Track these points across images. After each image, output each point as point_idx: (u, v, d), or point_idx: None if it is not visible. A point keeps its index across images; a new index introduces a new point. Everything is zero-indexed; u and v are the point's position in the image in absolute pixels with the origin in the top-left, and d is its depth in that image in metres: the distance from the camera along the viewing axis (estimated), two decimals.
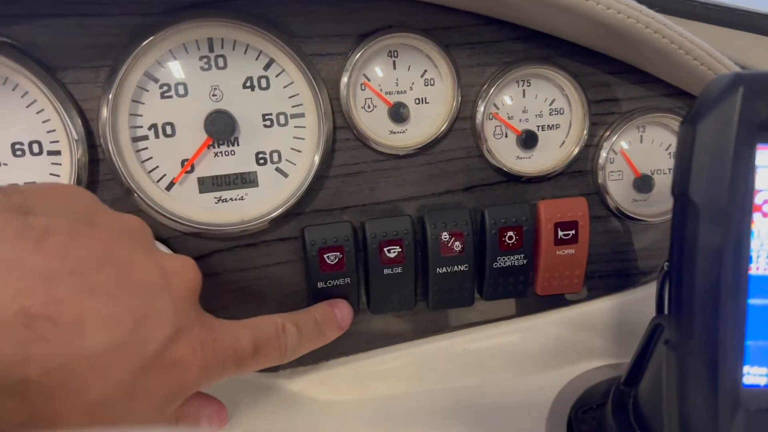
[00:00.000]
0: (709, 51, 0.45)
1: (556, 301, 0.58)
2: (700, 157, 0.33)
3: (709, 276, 0.33)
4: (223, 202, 0.49)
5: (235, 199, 0.49)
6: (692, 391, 0.34)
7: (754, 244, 0.33)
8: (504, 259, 0.52)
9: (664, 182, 0.55)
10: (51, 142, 0.45)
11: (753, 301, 0.33)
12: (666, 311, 0.37)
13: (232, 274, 0.50)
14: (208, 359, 0.34)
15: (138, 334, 0.30)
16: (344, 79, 0.48)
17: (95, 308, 0.28)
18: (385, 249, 0.50)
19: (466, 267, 0.51)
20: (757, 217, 0.33)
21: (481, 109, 0.51)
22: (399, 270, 0.51)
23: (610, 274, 0.58)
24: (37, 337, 0.26)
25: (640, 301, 0.57)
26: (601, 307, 0.58)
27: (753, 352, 0.34)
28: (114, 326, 0.29)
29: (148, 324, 0.30)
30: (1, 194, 0.30)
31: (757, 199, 0.33)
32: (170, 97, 0.46)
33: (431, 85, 0.51)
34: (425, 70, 0.50)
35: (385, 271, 0.50)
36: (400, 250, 0.50)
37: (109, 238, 0.31)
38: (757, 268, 0.33)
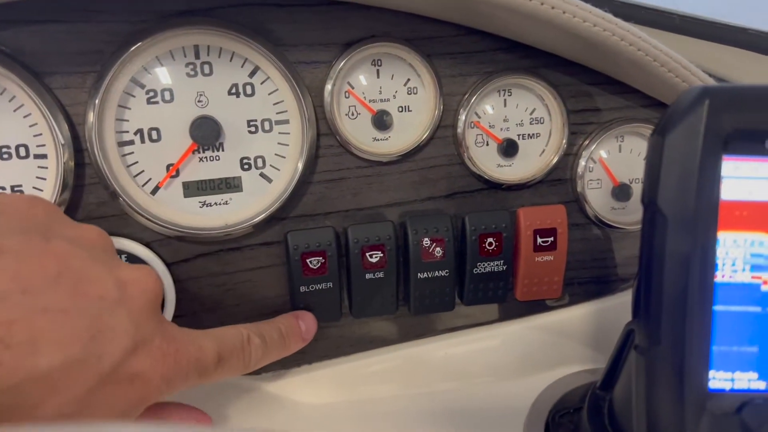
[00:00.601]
0: (684, 63, 0.46)
1: (537, 307, 0.59)
2: (668, 167, 0.34)
3: (676, 283, 0.34)
4: (207, 206, 0.49)
5: (220, 204, 0.50)
6: (660, 395, 0.35)
7: (720, 252, 0.34)
8: (484, 264, 0.53)
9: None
10: (38, 146, 0.45)
11: (718, 308, 0.34)
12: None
13: (216, 278, 0.51)
14: (170, 369, 0.34)
15: (93, 349, 0.30)
16: (328, 87, 0.49)
17: (48, 327, 0.28)
18: (368, 254, 0.51)
19: (446, 272, 0.52)
20: (722, 225, 0.34)
21: (463, 117, 0.52)
22: (381, 275, 0.51)
23: (589, 280, 0.59)
24: None
25: (619, 308, 0.58)
26: (580, 313, 0.59)
27: (718, 358, 0.35)
28: (67, 343, 0.29)
29: (104, 339, 0.30)
30: None
31: (723, 209, 0.34)
32: (156, 102, 0.47)
33: (414, 93, 0.52)
34: (408, 79, 0.51)
35: (367, 276, 0.51)
36: (382, 255, 0.51)
37: (64, 253, 0.31)
38: (723, 276, 0.34)
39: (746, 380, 0.35)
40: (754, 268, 0.34)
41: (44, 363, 0.28)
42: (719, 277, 0.34)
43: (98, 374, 0.30)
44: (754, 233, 0.34)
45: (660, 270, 0.34)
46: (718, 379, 0.35)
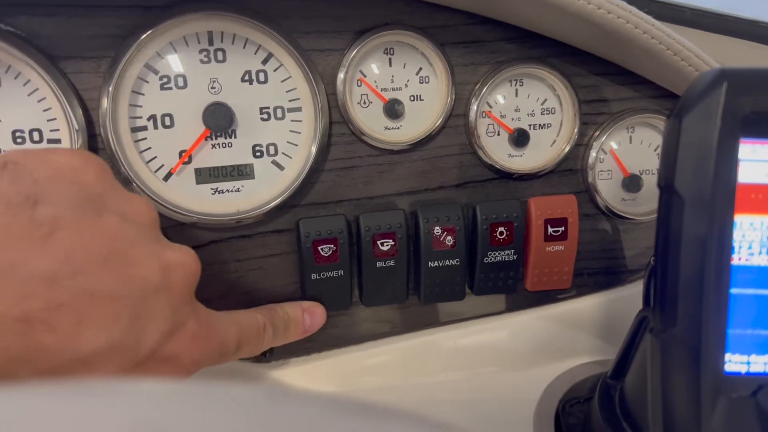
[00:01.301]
0: (696, 52, 0.46)
1: (546, 298, 0.59)
2: (685, 150, 0.34)
3: (692, 265, 0.34)
4: (219, 193, 0.49)
5: (232, 191, 0.50)
6: (675, 378, 0.35)
7: (737, 234, 0.34)
8: (495, 254, 0.53)
9: (652, 182, 0.56)
10: (51, 131, 0.45)
11: (735, 291, 0.34)
12: (651, 302, 0.38)
13: (228, 265, 0.51)
14: (200, 352, 0.35)
15: (133, 333, 0.30)
16: (341, 75, 0.49)
17: (93, 311, 0.29)
18: (379, 242, 0.51)
19: (457, 261, 0.52)
20: (739, 208, 0.34)
21: (475, 107, 0.52)
22: (392, 263, 0.51)
23: (598, 271, 0.59)
24: (34, 341, 0.27)
25: (628, 299, 0.58)
26: (590, 303, 0.59)
27: (734, 341, 0.35)
28: (110, 327, 0.29)
29: (144, 323, 0.31)
30: (9, 180, 0.29)
31: (740, 192, 0.34)
32: (170, 88, 0.47)
33: (426, 82, 0.52)
34: (420, 68, 0.51)
35: (378, 264, 0.51)
36: (393, 243, 0.51)
37: (114, 231, 0.31)
38: (740, 259, 0.34)
39: (762, 363, 0.35)
40: None
41: (87, 346, 0.28)
42: (736, 260, 0.34)
43: (135, 357, 0.31)
44: None
45: (676, 252, 0.34)
46: (734, 362, 0.35)
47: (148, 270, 0.32)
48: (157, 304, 0.32)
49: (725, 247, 0.34)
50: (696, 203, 0.34)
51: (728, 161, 0.33)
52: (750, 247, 0.34)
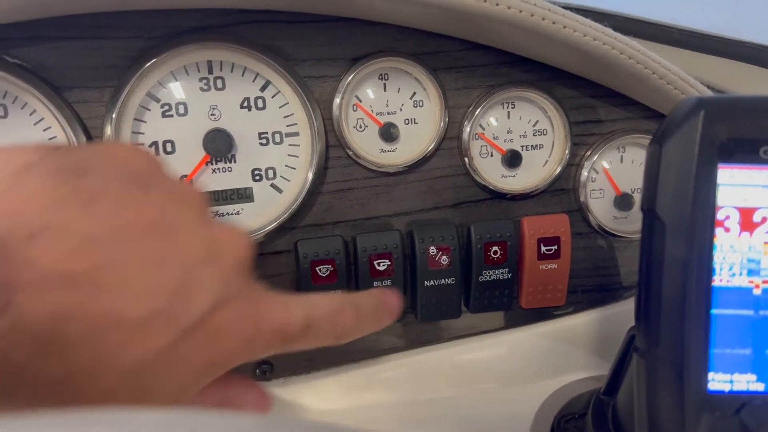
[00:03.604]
0: (682, 75, 0.48)
1: (543, 314, 0.60)
2: (665, 175, 0.35)
3: (674, 287, 0.35)
4: (220, 216, 0.51)
5: (232, 214, 0.51)
6: (660, 397, 0.36)
7: (717, 257, 0.35)
8: (489, 272, 0.54)
9: None
10: None
11: (716, 311, 0.35)
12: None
13: None
14: (250, 332, 0.33)
15: (178, 302, 0.30)
16: (337, 100, 0.51)
17: (138, 275, 0.29)
18: (375, 262, 0.52)
19: (452, 280, 0.53)
20: (719, 231, 0.35)
21: (468, 129, 0.53)
22: (388, 283, 0.53)
23: (592, 288, 0.60)
24: (80, 299, 0.27)
25: (622, 315, 0.59)
26: (585, 320, 0.60)
27: (717, 360, 0.36)
28: (155, 293, 0.29)
29: (190, 293, 0.30)
30: (58, 154, 0.30)
31: (719, 215, 0.35)
32: (171, 116, 0.48)
33: (420, 106, 0.53)
34: (414, 92, 0.53)
35: (375, 284, 0.52)
36: (389, 263, 0.52)
37: (161, 204, 0.31)
38: (720, 280, 0.35)
39: (745, 382, 0.36)
40: (751, 272, 0.35)
41: (131, 310, 0.28)
42: (717, 282, 0.35)
43: (180, 327, 0.30)
44: (749, 239, 0.35)
45: (659, 274, 0.35)
46: (718, 381, 0.36)
47: (195, 241, 0.32)
48: (203, 274, 0.31)
49: (706, 269, 0.35)
50: (677, 227, 0.35)
51: (707, 186, 0.34)
52: (731, 269, 0.35)
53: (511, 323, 0.60)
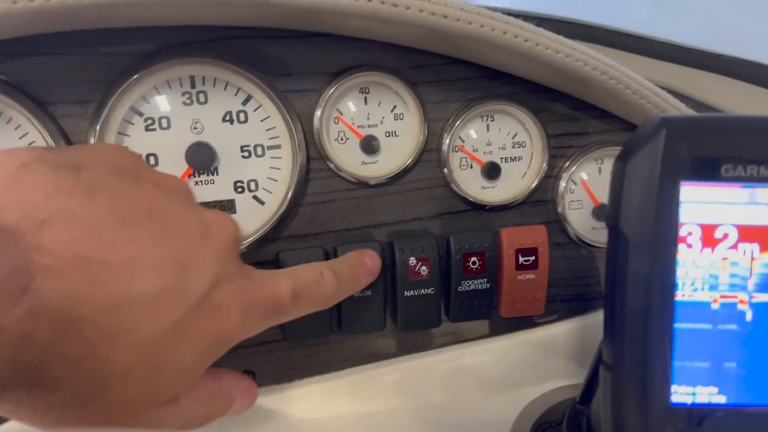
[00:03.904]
0: (655, 90, 0.49)
1: (524, 323, 0.61)
2: (629, 192, 0.36)
3: (638, 302, 0.36)
4: None
5: None
6: (625, 409, 0.37)
7: (680, 272, 0.36)
8: (468, 283, 0.55)
9: None
10: None
11: (679, 325, 0.36)
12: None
13: None
14: (248, 306, 0.36)
15: (183, 279, 0.32)
16: (318, 114, 0.52)
17: (144, 254, 0.31)
18: None
19: (432, 290, 0.54)
20: (681, 248, 0.36)
21: (447, 141, 0.54)
22: (369, 293, 0.54)
23: (571, 298, 0.61)
24: (93, 278, 0.28)
25: (601, 324, 0.60)
26: (565, 329, 0.61)
27: (679, 373, 0.36)
28: (161, 271, 0.31)
29: (192, 269, 0.33)
30: (53, 153, 0.32)
31: (682, 232, 0.36)
32: (154, 129, 0.49)
33: (400, 119, 0.54)
34: (395, 106, 0.54)
35: (356, 294, 0.53)
36: None
37: (152, 193, 0.34)
38: (683, 295, 0.36)
39: (707, 394, 0.37)
40: (711, 287, 0.36)
41: (141, 287, 0.30)
42: (680, 296, 0.36)
43: (187, 304, 0.32)
44: (711, 255, 0.36)
45: (623, 289, 0.36)
46: (680, 393, 0.37)
47: (189, 224, 0.34)
48: (202, 253, 0.34)
49: (668, 284, 0.36)
50: (640, 243, 0.36)
51: (670, 203, 0.35)
52: (693, 284, 0.36)
53: (495, 331, 0.61)
